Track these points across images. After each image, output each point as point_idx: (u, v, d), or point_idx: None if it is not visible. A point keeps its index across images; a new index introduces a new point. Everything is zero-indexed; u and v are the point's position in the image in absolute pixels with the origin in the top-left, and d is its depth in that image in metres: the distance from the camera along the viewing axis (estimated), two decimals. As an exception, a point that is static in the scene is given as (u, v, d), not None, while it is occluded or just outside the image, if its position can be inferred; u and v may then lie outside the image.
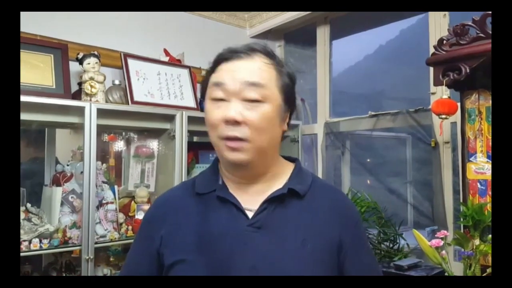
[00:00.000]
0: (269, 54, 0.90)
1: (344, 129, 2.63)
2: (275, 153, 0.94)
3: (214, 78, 0.88)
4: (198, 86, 2.28)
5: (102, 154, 2.35)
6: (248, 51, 0.88)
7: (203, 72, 1.77)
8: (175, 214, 0.92)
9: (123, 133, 2.36)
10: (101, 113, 1.93)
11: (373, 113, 2.43)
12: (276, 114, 0.87)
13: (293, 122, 2.85)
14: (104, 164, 2.12)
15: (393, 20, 2.64)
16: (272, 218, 0.87)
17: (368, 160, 2.75)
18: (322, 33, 2.81)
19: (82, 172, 1.88)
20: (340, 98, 3.13)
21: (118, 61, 2.14)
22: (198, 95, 2.29)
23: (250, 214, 0.88)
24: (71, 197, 1.97)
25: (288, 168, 0.96)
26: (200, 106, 2.26)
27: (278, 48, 3.11)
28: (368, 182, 2.64)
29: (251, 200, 0.90)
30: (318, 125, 2.79)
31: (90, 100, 1.95)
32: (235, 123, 0.83)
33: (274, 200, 0.89)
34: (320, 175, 2.73)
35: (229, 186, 0.92)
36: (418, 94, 2.51)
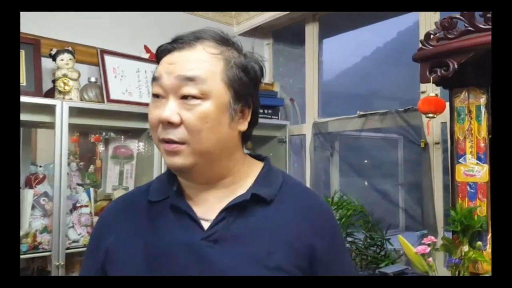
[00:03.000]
0: (221, 42, 0.78)
1: (333, 129, 2.55)
2: (232, 156, 0.80)
3: (155, 72, 0.78)
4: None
5: (89, 155, 2.28)
6: (192, 40, 0.77)
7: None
8: (122, 225, 0.82)
9: (103, 133, 2.28)
10: (75, 112, 1.84)
11: (361, 112, 2.35)
12: (221, 113, 0.75)
13: (280, 122, 2.76)
14: (92, 166, 2.04)
15: (385, 18, 2.56)
16: (231, 229, 0.76)
17: (358, 162, 2.67)
18: (311, 31, 2.73)
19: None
20: (336, 99, 3.05)
21: (96, 57, 2.05)
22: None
23: (206, 226, 0.76)
24: (43, 200, 1.87)
25: (255, 169, 0.84)
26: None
27: (266, 46, 3.03)
28: (366, 183, 2.55)
29: (209, 209, 0.78)
30: (306, 125, 2.70)
31: (63, 98, 1.86)
32: (170, 124, 0.73)
33: (234, 209, 0.77)
34: (308, 176, 2.65)
35: (186, 193, 0.81)
36: (412, 95, 2.43)
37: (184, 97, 0.73)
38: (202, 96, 0.73)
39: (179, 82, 0.73)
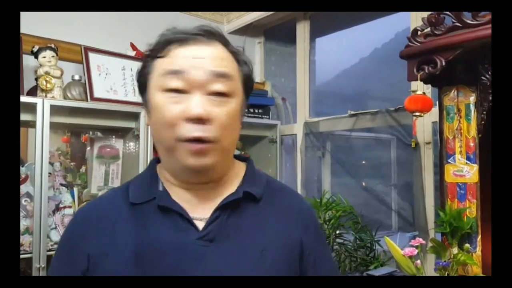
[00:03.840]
0: (226, 40, 0.78)
1: (324, 129, 2.51)
2: (232, 155, 0.83)
3: (168, 64, 0.72)
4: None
5: (80, 155, 2.24)
6: (207, 34, 0.75)
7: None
8: (104, 230, 0.76)
9: (90, 133, 2.24)
10: (58, 110, 1.80)
11: (352, 112, 2.31)
12: (240, 111, 0.77)
13: (271, 122, 2.72)
14: (83, 167, 1.99)
15: (378, 16, 2.53)
16: (226, 228, 0.75)
17: (350, 162, 2.63)
18: (302, 29, 2.69)
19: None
20: (328, 99, 3.01)
21: (80, 55, 2.01)
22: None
23: (200, 225, 0.75)
24: (25, 201, 1.83)
25: (241, 169, 0.84)
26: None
27: (258, 44, 2.99)
28: (357, 183, 2.51)
29: (200, 208, 0.77)
30: (297, 125, 2.66)
31: (46, 96, 1.82)
32: (199, 121, 0.69)
33: (227, 207, 0.76)
34: (299, 177, 2.61)
35: (173, 193, 0.78)
36: (405, 95, 2.39)
37: (212, 93, 0.72)
38: (230, 94, 0.73)
39: (210, 77, 0.71)
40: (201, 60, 0.72)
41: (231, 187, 0.79)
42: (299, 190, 2.60)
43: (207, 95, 0.71)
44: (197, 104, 0.70)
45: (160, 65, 0.73)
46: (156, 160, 0.84)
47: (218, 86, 0.71)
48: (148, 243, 0.73)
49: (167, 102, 0.71)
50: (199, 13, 2.67)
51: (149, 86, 0.75)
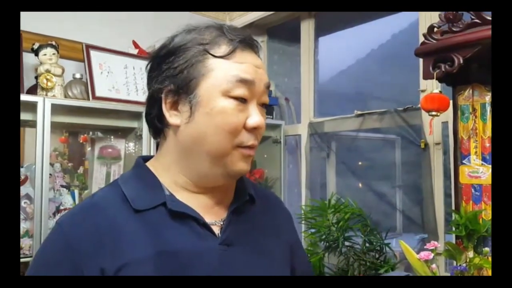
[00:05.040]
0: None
1: (329, 129, 2.46)
2: None
3: (238, 70, 0.70)
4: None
5: (78, 156, 2.18)
6: (254, 40, 0.76)
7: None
8: (116, 240, 0.68)
9: (90, 133, 2.18)
10: (59, 109, 1.74)
11: (359, 112, 2.27)
12: None
13: (275, 122, 2.67)
14: (81, 167, 1.94)
15: (383, 16, 2.49)
16: (238, 230, 0.77)
17: (356, 163, 2.59)
18: (307, 28, 2.65)
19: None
20: (331, 99, 2.97)
21: (81, 53, 1.95)
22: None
23: (214, 229, 0.75)
24: (25, 203, 1.77)
25: None
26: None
27: (261, 43, 2.94)
28: (360, 185, 2.47)
29: (209, 212, 0.76)
30: (302, 125, 2.62)
31: (46, 95, 1.76)
32: (255, 129, 0.73)
33: (236, 210, 0.78)
34: (303, 178, 2.56)
35: (180, 197, 0.74)
36: (408, 96, 2.36)
37: (261, 104, 0.75)
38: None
39: (264, 89, 0.74)
40: (260, 70, 0.73)
41: (231, 191, 0.81)
42: (303, 192, 2.56)
43: (258, 104, 0.74)
44: (258, 114, 0.72)
45: (226, 68, 0.71)
46: (143, 159, 0.80)
47: (265, 98, 0.75)
48: (169, 252, 0.69)
49: (234, 109, 0.71)
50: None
51: (203, 85, 0.71)
